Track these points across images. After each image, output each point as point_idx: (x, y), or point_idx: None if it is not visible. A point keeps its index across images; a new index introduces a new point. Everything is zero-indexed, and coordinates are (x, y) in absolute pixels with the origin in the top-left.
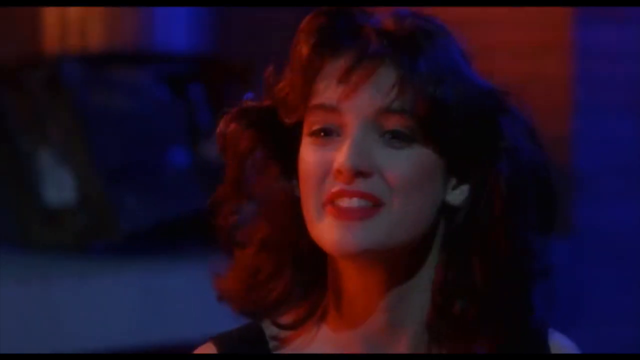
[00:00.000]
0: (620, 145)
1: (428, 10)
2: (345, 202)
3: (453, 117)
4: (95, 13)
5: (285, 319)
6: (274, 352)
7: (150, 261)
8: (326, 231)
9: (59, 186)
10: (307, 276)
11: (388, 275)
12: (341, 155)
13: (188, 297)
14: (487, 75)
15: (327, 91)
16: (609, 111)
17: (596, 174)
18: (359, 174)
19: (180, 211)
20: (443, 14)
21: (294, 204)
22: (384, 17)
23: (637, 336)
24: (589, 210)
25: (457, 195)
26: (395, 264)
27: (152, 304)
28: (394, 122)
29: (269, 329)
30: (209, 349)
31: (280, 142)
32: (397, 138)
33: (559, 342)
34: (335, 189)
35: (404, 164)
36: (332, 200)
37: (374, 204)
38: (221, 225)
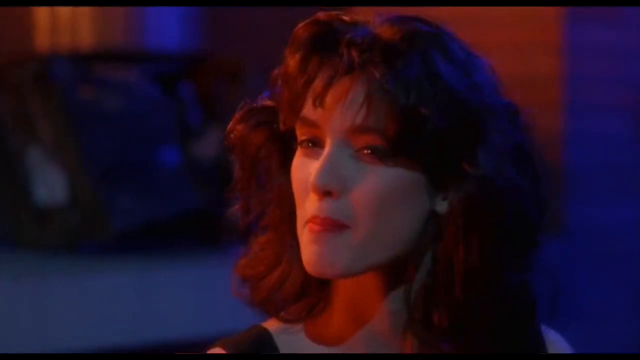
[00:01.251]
0: (612, 144)
1: (420, 10)
2: (316, 228)
3: (428, 131)
4: (86, 12)
5: (290, 313)
6: (282, 348)
7: (141, 260)
8: (305, 254)
9: (49, 185)
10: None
11: (384, 279)
12: (313, 173)
13: (180, 296)
14: None
15: (310, 105)
16: (600, 110)
17: (587, 173)
18: (326, 193)
19: (171, 210)
20: (434, 13)
21: (293, 201)
22: (368, 24)
23: (629, 335)
24: (580, 209)
25: (444, 207)
26: (390, 272)
27: (144, 303)
28: (365, 140)
29: (276, 330)
30: (217, 351)
31: (285, 141)
32: (370, 154)
33: (553, 338)
34: (311, 212)
35: (374, 181)
36: (309, 221)
37: (341, 226)
38: (240, 217)
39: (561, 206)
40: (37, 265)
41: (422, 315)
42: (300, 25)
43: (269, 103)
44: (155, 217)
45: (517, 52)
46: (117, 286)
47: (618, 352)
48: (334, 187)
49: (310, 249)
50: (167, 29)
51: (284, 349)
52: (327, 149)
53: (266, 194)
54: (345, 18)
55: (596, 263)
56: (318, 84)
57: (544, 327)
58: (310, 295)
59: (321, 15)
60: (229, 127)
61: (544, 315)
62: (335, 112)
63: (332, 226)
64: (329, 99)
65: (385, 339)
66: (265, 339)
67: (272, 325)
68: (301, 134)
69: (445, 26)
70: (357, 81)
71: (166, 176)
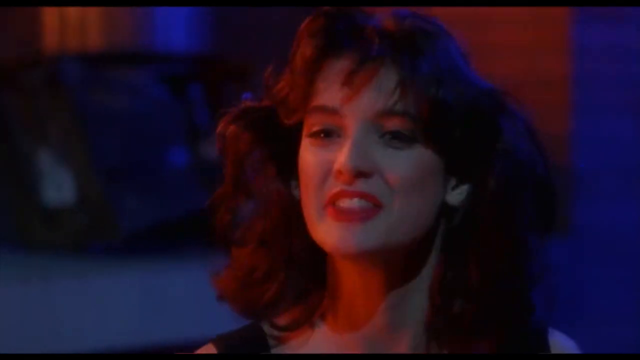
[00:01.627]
0: (619, 145)
1: (427, 10)
2: (345, 203)
3: (453, 118)
4: (95, 13)
5: (283, 320)
6: (275, 350)
7: (149, 261)
8: (327, 232)
9: (58, 186)
10: (305, 276)
11: (388, 275)
12: (342, 156)
13: (188, 297)
14: (486, 75)
15: (328, 93)
16: (607, 111)
17: (595, 174)
18: (359, 174)
19: (179, 211)
20: (441, 13)
21: (292, 204)
22: (384, 17)
23: (636, 336)
24: (588, 210)
25: (457, 196)
26: (396, 264)
27: (152, 304)
28: (395, 124)
29: (269, 330)
30: (209, 350)
31: (279, 143)
32: (397, 139)
33: (560, 342)
34: (335, 189)
35: (404, 164)
36: (333, 202)
37: (374, 205)
38: (219, 224)
39: (569, 206)
40: (45, 265)
41: (441, 301)
42: (314, 14)
43: (264, 102)
44: (163, 217)
45: (525, 53)
46: (125, 287)
47: (624, 352)
48: (366, 167)
49: (336, 230)
50: (175, 30)
51: (275, 348)
52: (353, 132)
53: (254, 203)
54: (356, 9)
55: (604, 263)
56: (345, 66)
57: (550, 329)
58: (306, 302)
59: (328, 8)
60: (219, 127)
61: (544, 315)
62: (363, 94)
63: (367, 199)
64: (358, 80)
65: (382, 334)
66: (257, 337)
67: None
68: (313, 124)
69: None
70: (387, 67)
71: (174, 177)
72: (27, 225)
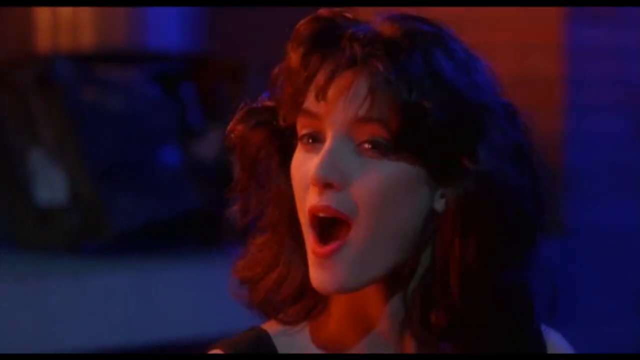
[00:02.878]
0: (613, 144)
1: (420, 10)
2: (321, 213)
3: (429, 126)
4: (87, 12)
5: (289, 315)
6: (281, 349)
7: (142, 260)
8: (310, 271)
9: (50, 185)
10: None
11: (384, 283)
12: (313, 165)
13: (180, 296)
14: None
15: (312, 99)
16: (601, 110)
17: (588, 173)
18: (327, 185)
19: (172, 210)
20: (435, 13)
21: (293, 201)
22: (369, 22)
23: (631, 335)
24: (582, 209)
25: (443, 204)
26: (393, 274)
27: (144, 303)
28: (367, 132)
29: (274, 332)
30: (216, 353)
31: (283, 141)
32: (373, 147)
33: (556, 342)
34: (310, 203)
35: (375, 176)
36: (312, 213)
37: (346, 224)
38: (239, 215)
39: (562, 206)
40: (38, 265)
41: (420, 315)
42: (302, 21)
43: (268, 103)
44: (155, 217)
45: (518, 53)
46: (117, 286)
47: (619, 352)
48: (335, 179)
49: (316, 273)
50: (168, 29)
51: (282, 350)
52: (327, 143)
53: (265, 194)
54: (347, 14)
55: (597, 263)
56: (320, 77)
57: (544, 327)
58: (309, 296)
59: (323, 11)
60: (229, 127)
61: (543, 315)
62: (337, 104)
63: (333, 214)
64: (331, 92)
65: (385, 340)
66: (263, 340)
67: (270, 326)
68: (302, 128)
69: (445, 26)
70: (360, 74)
71: (167, 176)
72: (20, 225)
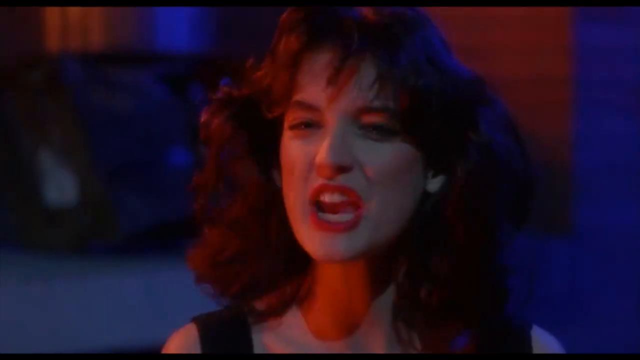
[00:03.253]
0: (620, 145)
1: (426, 11)
2: (327, 197)
3: (433, 109)
4: (96, 13)
5: (260, 305)
6: (255, 332)
7: (150, 261)
8: (311, 241)
9: (59, 186)
10: (284, 262)
11: (371, 267)
12: (322, 151)
13: (188, 297)
14: (487, 76)
15: (309, 89)
16: (608, 111)
17: (596, 174)
18: (339, 169)
19: (180, 211)
20: (443, 14)
21: (272, 192)
22: (363, 8)
23: (636, 336)
24: (589, 210)
25: (435, 184)
26: (379, 256)
27: (152, 304)
28: (374, 119)
29: (249, 310)
30: (190, 329)
31: (260, 133)
32: (377, 131)
33: (541, 338)
34: (317, 183)
35: (383, 157)
36: (316, 196)
37: (354, 206)
38: (197, 207)
39: (570, 206)
40: (46, 265)
41: (410, 291)
42: (291, 8)
43: (238, 92)
44: (164, 218)
45: (527, 53)
46: (126, 286)
47: (625, 353)
48: (347, 162)
49: (321, 241)
50: (176, 30)
51: (256, 332)
52: (333, 127)
53: (232, 186)
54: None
55: (605, 263)
56: (322, 65)
57: (535, 327)
58: (285, 285)
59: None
60: (203, 119)
61: (517, 306)
62: (345, 93)
63: (349, 195)
64: (341, 79)
65: (366, 326)
66: (239, 320)
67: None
68: (294, 118)
69: (424, 12)
70: (367, 61)
71: (175, 177)
72: (29, 225)
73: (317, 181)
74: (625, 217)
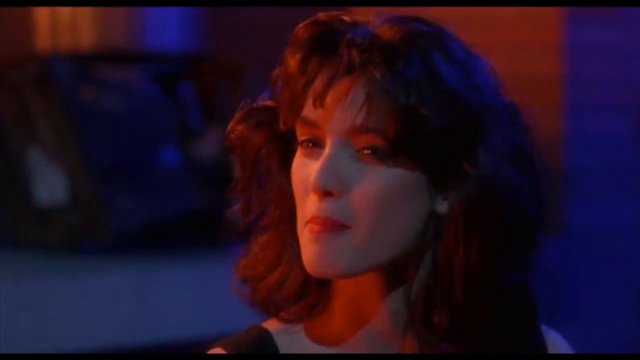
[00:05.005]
0: (612, 144)
1: (420, 10)
2: (316, 228)
3: (428, 131)
4: (86, 12)
5: (290, 313)
6: (282, 347)
7: (141, 260)
8: (305, 255)
9: (49, 185)
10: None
11: (381, 281)
12: (313, 173)
13: (180, 296)
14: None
15: (310, 106)
16: (600, 110)
17: (588, 173)
18: (327, 193)
19: (171, 210)
20: (434, 13)
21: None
22: (368, 23)
23: (631, 335)
24: (581, 209)
25: (444, 207)
26: (390, 272)
27: (144, 303)
28: (365, 140)
29: (276, 330)
30: (218, 352)
31: (283, 142)
32: (371, 153)
33: (554, 341)
34: (311, 212)
35: (375, 181)
36: (309, 221)
37: (340, 229)
38: (241, 214)
39: (561, 206)
40: (37, 265)
41: (422, 315)
42: (300, 25)
43: (269, 103)
44: (155, 217)
45: (518, 52)
46: (117, 286)
47: (618, 353)
48: (334, 187)
49: (309, 249)
50: (167, 29)
51: (284, 349)
52: (327, 149)
53: (266, 193)
54: (345, 18)
55: (596, 263)
56: (318, 84)
57: (544, 327)
58: (310, 295)
59: (321, 15)
60: (229, 127)
61: (544, 315)
62: (335, 112)
63: (332, 226)
64: (329, 99)
65: (385, 339)
66: (265, 339)
67: (272, 325)
68: (301, 134)
69: (445, 26)
70: (357, 81)
71: (166, 176)
72: (19, 224)
73: (313, 204)
74: (616, 216)
